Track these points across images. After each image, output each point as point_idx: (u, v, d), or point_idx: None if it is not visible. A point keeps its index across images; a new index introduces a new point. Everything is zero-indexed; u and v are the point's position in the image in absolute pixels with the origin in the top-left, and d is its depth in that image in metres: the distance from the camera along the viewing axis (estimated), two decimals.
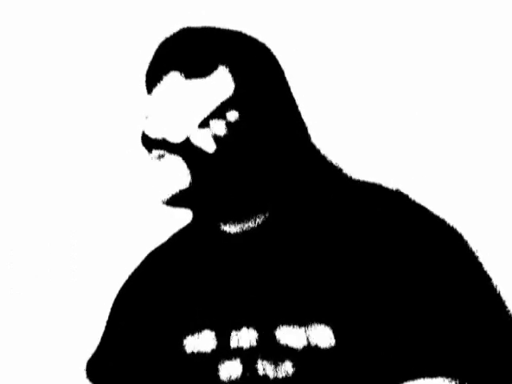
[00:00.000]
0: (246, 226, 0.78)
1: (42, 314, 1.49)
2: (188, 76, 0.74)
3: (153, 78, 0.78)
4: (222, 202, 0.76)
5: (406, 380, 0.64)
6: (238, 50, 0.76)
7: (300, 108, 0.81)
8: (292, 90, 0.81)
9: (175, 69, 0.75)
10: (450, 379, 0.63)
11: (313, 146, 0.80)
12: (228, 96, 0.74)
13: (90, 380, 0.90)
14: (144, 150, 0.79)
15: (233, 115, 0.73)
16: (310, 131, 0.81)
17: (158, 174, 0.75)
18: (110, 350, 0.90)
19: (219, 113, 0.73)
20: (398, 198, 0.74)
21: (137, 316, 0.87)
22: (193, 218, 0.87)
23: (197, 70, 0.74)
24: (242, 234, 0.78)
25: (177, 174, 0.74)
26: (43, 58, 1.54)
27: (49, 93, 1.54)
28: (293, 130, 0.78)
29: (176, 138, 0.73)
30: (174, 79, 0.75)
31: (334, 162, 0.81)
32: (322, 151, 0.81)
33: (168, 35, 0.79)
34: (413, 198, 0.74)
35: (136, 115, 1.47)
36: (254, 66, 0.76)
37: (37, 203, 1.52)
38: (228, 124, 0.73)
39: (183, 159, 0.73)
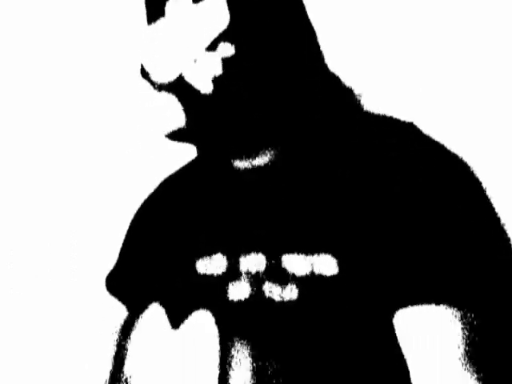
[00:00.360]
0: (256, 161, 0.77)
1: (42, 314, 1.49)
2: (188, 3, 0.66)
3: (150, 2, 0.71)
4: (225, 139, 0.74)
5: (406, 306, 0.64)
6: None
7: (316, 30, 0.75)
8: (307, 9, 0.75)
9: None
10: (452, 307, 0.62)
11: (327, 74, 0.76)
12: (222, 26, 0.66)
13: (110, 292, 0.94)
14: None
15: (228, 49, 0.67)
16: (327, 55, 0.75)
17: (158, 108, 0.72)
18: (127, 265, 0.94)
19: (212, 47, 0.66)
20: (412, 131, 0.72)
21: (151, 235, 0.90)
22: (200, 151, 0.86)
23: None
24: (251, 168, 0.78)
25: (178, 110, 0.70)
26: (41, 56, 1.54)
27: (48, 93, 1.54)
28: (304, 57, 0.72)
29: (169, 76, 0.68)
30: (171, 4, 0.68)
31: (351, 90, 0.77)
32: (340, 78, 0.77)
33: None
34: (427, 132, 0.72)
35: (135, 114, 1.47)
36: None
37: (37, 203, 1.52)
38: (223, 59, 0.66)
39: (177, 98, 0.69)
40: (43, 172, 1.53)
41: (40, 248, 1.51)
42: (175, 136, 0.73)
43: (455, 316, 0.62)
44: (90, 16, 1.53)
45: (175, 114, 0.71)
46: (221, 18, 0.66)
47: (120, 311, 0.92)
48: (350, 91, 0.78)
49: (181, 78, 0.68)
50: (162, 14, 0.69)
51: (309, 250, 0.69)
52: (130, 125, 1.48)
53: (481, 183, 0.69)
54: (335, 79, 0.78)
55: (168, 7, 0.68)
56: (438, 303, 0.62)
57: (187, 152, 0.91)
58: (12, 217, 1.53)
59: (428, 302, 0.62)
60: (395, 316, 0.65)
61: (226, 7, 0.66)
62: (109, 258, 1.37)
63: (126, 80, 1.49)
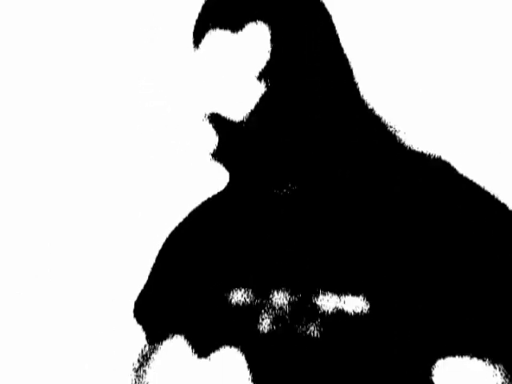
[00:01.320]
0: (287, 196, 0.76)
1: (42, 314, 1.48)
2: (227, 34, 0.68)
3: (196, 33, 0.72)
4: (255, 170, 0.74)
5: (443, 357, 0.62)
6: (279, 5, 0.69)
7: (353, 66, 0.75)
8: (345, 48, 0.75)
9: (214, 26, 0.69)
10: (493, 361, 0.60)
11: (364, 109, 0.76)
12: (261, 61, 0.68)
13: (138, 321, 0.93)
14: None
15: (264, 84, 0.68)
16: (364, 91, 0.76)
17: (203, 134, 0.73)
18: (155, 293, 0.92)
19: (250, 80, 0.67)
20: (452, 172, 0.70)
21: (182, 262, 0.89)
22: (232, 179, 0.86)
23: (231, 26, 0.68)
24: (282, 203, 0.77)
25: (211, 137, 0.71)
26: (43, 58, 1.54)
27: (48, 93, 1.54)
28: (338, 93, 0.72)
29: (206, 107, 0.70)
30: (215, 37, 0.69)
31: (388, 125, 0.76)
32: (377, 113, 0.76)
33: None
34: (467, 175, 0.70)
35: (134, 114, 1.46)
36: (296, 23, 0.69)
37: (37, 203, 1.52)
38: (260, 94, 0.67)
39: (214, 127, 0.70)
40: (43, 173, 1.53)
41: (40, 248, 1.51)
42: (219, 157, 0.74)
43: (496, 371, 0.60)
44: (90, 17, 1.52)
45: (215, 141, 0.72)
46: (259, 54, 0.68)
47: (140, 339, 0.91)
48: (384, 127, 0.77)
49: (218, 108, 0.69)
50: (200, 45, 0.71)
51: (342, 288, 0.67)
52: (130, 127, 1.48)
53: None
54: (370, 116, 0.77)
55: (208, 39, 0.70)
56: (478, 356, 0.60)
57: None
58: (12, 217, 1.53)
59: (467, 354, 0.60)
60: (434, 367, 0.63)
61: (268, 40, 0.68)
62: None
63: (127, 83, 1.49)
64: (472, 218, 0.64)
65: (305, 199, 0.75)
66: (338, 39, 0.75)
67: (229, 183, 0.89)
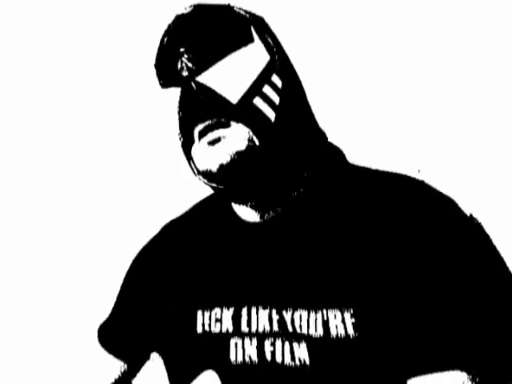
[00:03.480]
0: (266, 215, 0.76)
1: (42, 314, 1.49)
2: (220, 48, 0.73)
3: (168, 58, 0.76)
4: (241, 191, 0.74)
5: (423, 373, 0.62)
6: (258, 19, 0.78)
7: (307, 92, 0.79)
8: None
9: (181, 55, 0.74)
10: (465, 374, 0.60)
11: (321, 132, 0.79)
12: (266, 62, 0.73)
13: (102, 345, 0.91)
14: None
15: (277, 80, 0.73)
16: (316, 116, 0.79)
17: (206, 146, 0.73)
18: (122, 317, 0.90)
19: (265, 77, 0.72)
20: (419, 186, 0.71)
21: (151, 284, 0.87)
22: (211, 197, 0.86)
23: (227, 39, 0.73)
24: (260, 222, 0.77)
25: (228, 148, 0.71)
26: (43, 58, 1.54)
27: (49, 93, 1.54)
28: (307, 117, 0.76)
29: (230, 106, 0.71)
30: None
31: (339, 149, 0.79)
32: (329, 137, 0.79)
33: (179, 13, 0.78)
34: (436, 188, 0.70)
35: (135, 114, 1.47)
36: (273, 37, 0.78)
37: (37, 203, 1.52)
38: (276, 89, 0.72)
39: (244, 124, 0.70)
40: (43, 173, 1.53)
41: (40, 248, 1.51)
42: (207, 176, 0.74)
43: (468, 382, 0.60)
44: (90, 17, 1.53)
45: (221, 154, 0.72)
46: (263, 55, 0.74)
47: (111, 366, 0.89)
48: (343, 151, 0.80)
49: (242, 106, 0.71)
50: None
51: (320, 307, 0.66)
52: (130, 127, 1.48)
53: (491, 240, 0.67)
54: (335, 149, 0.80)
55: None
56: (451, 369, 0.60)
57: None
58: (12, 217, 1.53)
59: (442, 369, 0.60)
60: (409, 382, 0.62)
61: (263, 45, 0.76)
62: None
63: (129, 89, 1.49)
64: (446, 238, 0.65)
65: (281, 222, 0.76)
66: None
67: (202, 200, 0.89)
